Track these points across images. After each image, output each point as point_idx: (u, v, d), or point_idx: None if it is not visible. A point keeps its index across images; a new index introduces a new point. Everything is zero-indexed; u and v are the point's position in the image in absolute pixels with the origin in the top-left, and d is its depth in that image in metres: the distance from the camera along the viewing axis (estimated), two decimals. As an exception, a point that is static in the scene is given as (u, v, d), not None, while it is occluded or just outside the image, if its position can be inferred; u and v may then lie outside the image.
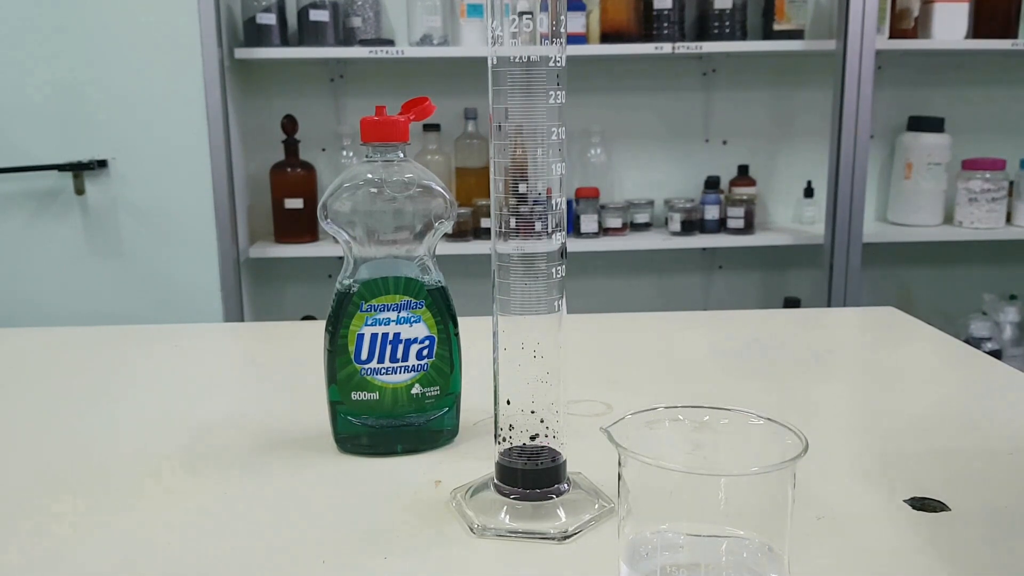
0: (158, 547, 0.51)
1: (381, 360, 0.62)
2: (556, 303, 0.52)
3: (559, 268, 0.52)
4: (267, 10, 2.07)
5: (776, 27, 2.16)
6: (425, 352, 0.62)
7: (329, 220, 0.62)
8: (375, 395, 0.62)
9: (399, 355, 0.62)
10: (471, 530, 0.52)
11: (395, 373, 0.62)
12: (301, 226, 2.19)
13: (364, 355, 0.61)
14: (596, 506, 0.54)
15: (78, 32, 2.06)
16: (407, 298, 0.61)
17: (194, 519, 0.55)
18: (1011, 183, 2.28)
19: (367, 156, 0.63)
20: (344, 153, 2.26)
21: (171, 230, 2.16)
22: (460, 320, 0.64)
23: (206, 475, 0.61)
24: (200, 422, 0.72)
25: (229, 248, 2.07)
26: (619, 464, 0.42)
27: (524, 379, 0.53)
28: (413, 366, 0.62)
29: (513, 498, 0.53)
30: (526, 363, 0.52)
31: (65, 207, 2.16)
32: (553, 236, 0.51)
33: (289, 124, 2.15)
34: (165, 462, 0.64)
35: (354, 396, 0.62)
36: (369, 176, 0.62)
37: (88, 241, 2.18)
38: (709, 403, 0.45)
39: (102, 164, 2.13)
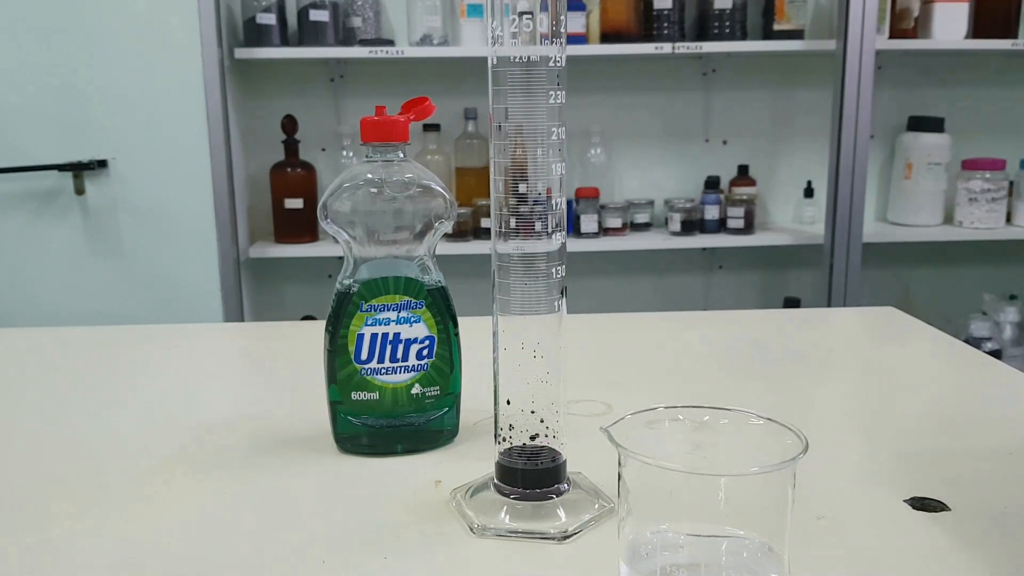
0: (158, 547, 0.51)
1: (381, 360, 0.62)
2: (556, 303, 0.52)
3: (559, 268, 0.52)
4: (267, 10, 2.07)
5: (776, 27, 2.16)
6: (425, 352, 0.62)
7: (329, 220, 0.62)
8: (375, 395, 0.62)
9: (399, 355, 0.62)
10: (471, 530, 0.52)
11: (395, 373, 0.62)
12: (301, 226, 2.19)
13: (364, 355, 0.61)
14: (596, 506, 0.54)
15: (78, 32, 2.06)
16: (407, 298, 0.61)
17: (194, 519, 0.55)
18: (1011, 183, 2.28)
19: (367, 156, 0.63)
20: (344, 153, 2.26)
21: (171, 230, 2.16)
22: (460, 320, 0.64)
23: (206, 475, 0.61)
24: (200, 422, 0.72)
25: (229, 248, 2.07)
26: (619, 464, 0.42)
27: (524, 379, 0.53)
28: (413, 366, 0.62)
29: (513, 498, 0.53)
30: (526, 363, 0.52)
31: (65, 207, 2.16)
32: (553, 236, 0.51)
33: (289, 124, 2.15)
34: (165, 462, 0.64)
35: (354, 396, 0.62)
36: (369, 176, 0.62)
37: (88, 241, 2.18)
38: (709, 403, 0.45)
39: (102, 164, 2.13)
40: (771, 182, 2.40)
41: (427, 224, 0.63)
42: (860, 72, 2.03)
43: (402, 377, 0.62)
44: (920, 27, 2.17)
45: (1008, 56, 2.33)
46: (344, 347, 0.61)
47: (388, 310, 0.61)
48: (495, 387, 0.54)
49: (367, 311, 0.61)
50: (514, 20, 0.48)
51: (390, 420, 0.63)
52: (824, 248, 2.16)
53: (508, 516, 0.52)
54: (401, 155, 0.63)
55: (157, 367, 0.89)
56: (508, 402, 0.53)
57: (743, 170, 2.32)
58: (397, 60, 2.13)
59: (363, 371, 0.62)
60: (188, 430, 0.70)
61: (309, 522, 0.54)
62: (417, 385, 0.63)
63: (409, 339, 0.62)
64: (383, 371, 0.62)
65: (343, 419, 0.63)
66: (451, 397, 0.64)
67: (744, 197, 2.24)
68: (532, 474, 0.53)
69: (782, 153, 2.39)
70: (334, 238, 0.63)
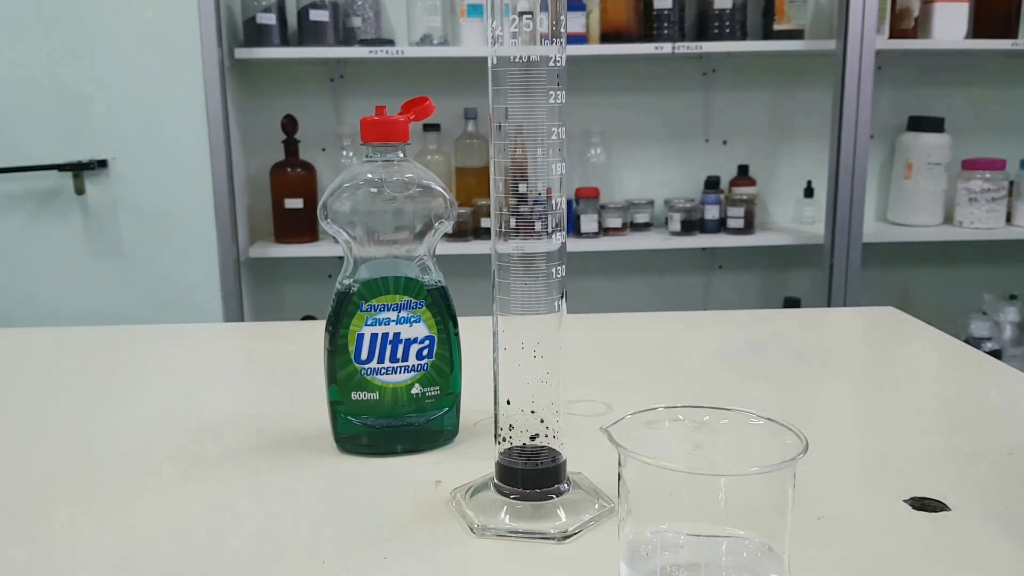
0: (158, 547, 0.51)
1: (381, 360, 0.62)
2: (556, 303, 0.52)
3: (559, 268, 0.52)
4: (267, 10, 2.07)
5: (776, 27, 2.16)
6: (425, 352, 0.62)
7: (329, 220, 0.62)
8: (375, 395, 0.62)
9: (399, 355, 0.62)
10: (471, 530, 0.52)
11: (395, 373, 0.62)
12: (301, 226, 2.19)
13: (364, 355, 0.61)
14: (596, 506, 0.54)
15: (78, 33, 2.06)
16: (407, 298, 0.61)
17: (194, 519, 0.55)
18: (1011, 183, 2.28)
19: (367, 156, 0.63)
20: (344, 153, 2.26)
21: (171, 230, 2.16)
22: (460, 320, 0.64)
23: (206, 475, 0.61)
24: (200, 422, 0.72)
25: (229, 248, 2.07)
26: (619, 464, 0.42)
27: (524, 379, 0.52)
28: (413, 366, 0.62)
29: (513, 498, 0.53)
30: (526, 363, 0.52)
31: (65, 207, 2.16)
32: (553, 236, 0.51)
33: (289, 124, 2.15)
34: (165, 462, 0.64)
35: (354, 396, 0.62)
36: (369, 176, 0.62)
37: (88, 241, 2.18)
38: (709, 403, 0.45)
39: (102, 164, 2.13)
40: (771, 182, 2.40)
41: (427, 224, 0.63)
42: (860, 72, 2.03)
43: (402, 377, 0.62)
44: (920, 27, 2.17)
45: (1008, 56, 2.33)
46: (344, 347, 0.61)
47: (388, 310, 0.61)
48: (495, 387, 0.54)
49: (367, 311, 0.61)
50: (514, 20, 0.48)
51: (390, 420, 0.63)
52: (824, 248, 2.16)
53: (508, 516, 0.52)
54: (401, 155, 0.63)
55: (157, 367, 0.89)
56: (508, 402, 0.53)
57: (743, 170, 2.32)
58: (397, 60, 2.13)
59: (363, 371, 0.62)
60: (188, 430, 0.70)
61: (309, 522, 0.54)
62: (417, 385, 0.63)
63: (409, 339, 0.62)
64: (383, 371, 0.62)
65: (343, 419, 0.63)
66: (451, 397, 0.64)
67: (744, 197, 2.24)
68: (532, 474, 0.53)
69: (782, 153, 2.39)
70: (334, 238, 0.63)
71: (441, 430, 0.65)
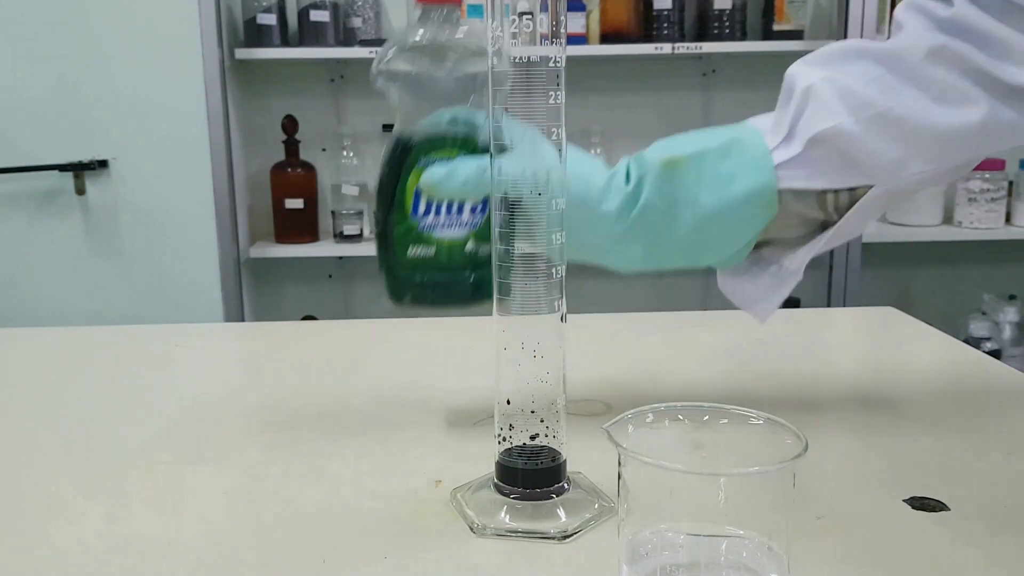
0: (157, 547, 0.51)
1: (438, 214, 0.61)
2: (556, 303, 0.52)
3: (559, 268, 0.52)
4: (267, 10, 2.07)
5: (776, 27, 2.16)
6: (479, 208, 0.61)
7: (383, 80, 0.61)
8: (431, 251, 0.61)
9: (454, 210, 0.61)
10: (471, 530, 0.52)
11: (450, 228, 0.61)
12: (301, 226, 2.19)
13: (421, 210, 0.60)
14: (596, 506, 0.54)
15: (78, 32, 2.06)
16: (463, 154, 0.60)
17: (193, 519, 0.55)
18: (1010, 183, 2.28)
19: (420, 20, 0.61)
20: (344, 153, 2.26)
21: (171, 230, 2.16)
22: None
23: (206, 475, 0.61)
24: (200, 422, 0.72)
25: (229, 248, 2.07)
26: (619, 464, 0.42)
27: (524, 379, 0.53)
28: (468, 222, 0.61)
29: (513, 498, 0.53)
30: (526, 363, 0.52)
31: (65, 207, 2.16)
32: (553, 236, 0.51)
33: (289, 124, 2.15)
34: (164, 462, 0.64)
35: (411, 252, 0.61)
36: (424, 37, 0.60)
37: (88, 241, 2.18)
38: (709, 403, 0.45)
39: (102, 164, 2.13)
40: (771, 182, 2.39)
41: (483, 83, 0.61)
42: (860, 72, 2.03)
43: (457, 232, 0.61)
44: (920, 27, 2.17)
45: (1008, 56, 2.33)
46: (401, 204, 0.60)
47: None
48: (495, 387, 0.54)
49: (423, 165, 0.59)
50: (514, 20, 0.48)
51: (445, 276, 0.61)
52: (824, 248, 2.16)
53: (508, 516, 0.52)
54: (457, 15, 0.61)
55: (157, 367, 0.89)
56: (508, 402, 0.53)
57: (743, 170, 2.32)
58: (397, 60, 2.13)
59: (420, 227, 0.60)
60: (188, 430, 0.70)
61: (309, 522, 0.54)
62: (472, 241, 0.61)
63: None
64: (439, 226, 0.60)
65: (399, 276, 0.62)
66: None
67: (744, 197, 2.24)
68: (532, 474, 0.53)
69: (782, 153, 2.39)
70: (387, 98, 0.62)
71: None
